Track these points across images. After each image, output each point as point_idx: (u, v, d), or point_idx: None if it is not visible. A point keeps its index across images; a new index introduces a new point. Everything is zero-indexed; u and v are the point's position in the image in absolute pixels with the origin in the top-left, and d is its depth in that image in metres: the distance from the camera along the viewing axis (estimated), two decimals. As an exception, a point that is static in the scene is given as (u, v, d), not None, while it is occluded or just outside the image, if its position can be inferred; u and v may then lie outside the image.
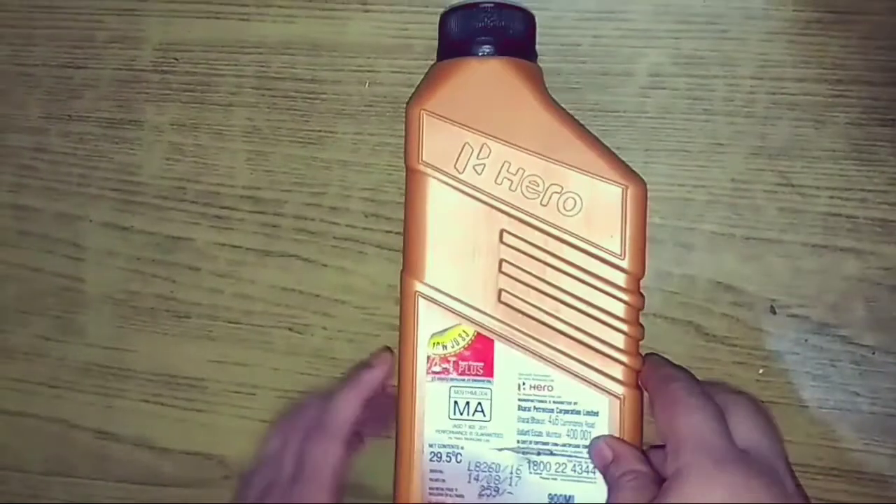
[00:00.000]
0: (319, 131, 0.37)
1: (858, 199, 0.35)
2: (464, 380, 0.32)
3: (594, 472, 0.31)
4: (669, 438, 0.28)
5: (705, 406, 0.28)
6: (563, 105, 0.33)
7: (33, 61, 0.39)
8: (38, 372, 0.39)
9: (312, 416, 0.34)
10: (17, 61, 0.39)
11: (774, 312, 0.35)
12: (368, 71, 0.36)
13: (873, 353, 0.35)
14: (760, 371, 0.35)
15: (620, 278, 0.32)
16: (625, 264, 0.32)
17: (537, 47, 0.34)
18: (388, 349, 0.36)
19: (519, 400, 0.32)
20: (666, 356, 0.35)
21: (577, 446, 0.31)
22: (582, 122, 0.36)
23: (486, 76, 0.32)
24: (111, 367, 0.38)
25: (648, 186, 0.35)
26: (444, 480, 0.32)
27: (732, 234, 0.35)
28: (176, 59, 0.38)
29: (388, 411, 0.33)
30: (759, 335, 0.35)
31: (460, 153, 0.32)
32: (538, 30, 0.35)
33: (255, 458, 0.35)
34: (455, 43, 0.33)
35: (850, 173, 0.35)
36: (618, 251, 0.32)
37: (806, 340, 0.35)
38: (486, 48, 0.32)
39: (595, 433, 0.31)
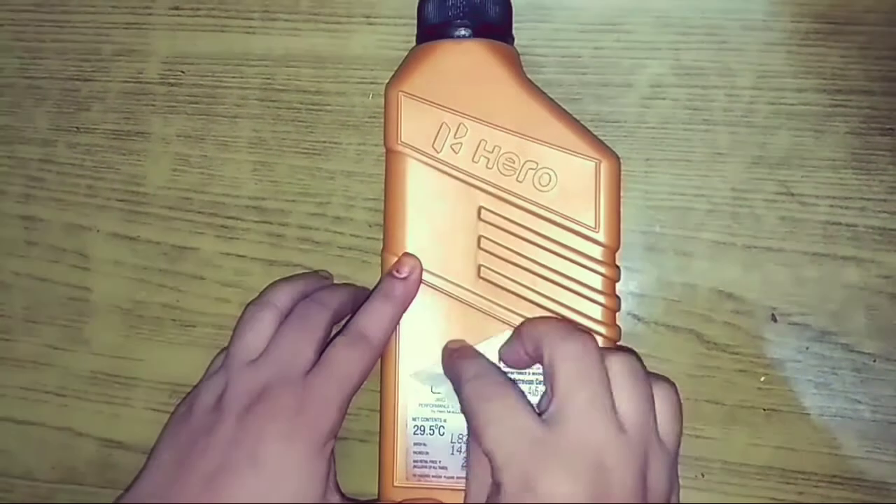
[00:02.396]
0: (324, 142, 0.37)
1: (858, 207, 0.35)
2: None
3: None
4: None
5: None
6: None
7: (41, 74, 0.39)
8: (45, 380, 0.39)
9: (330, 313, 0.33)
10: (26, 74, 0.39)
11: (775, 320, 0.35)
12: (372, 83, 0.37)
13: (874, 361, 0.35)
14: (762, 379, 0.35)
15: (596, 251, 0.32)
16: (600, 237, 0.32)
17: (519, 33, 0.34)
18: (413, 256, 0.33)
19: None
20: (664, 364, 0.36)
21: None
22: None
23: (462, 58, 0.33)
24: (118, 375, 0.39)
25: (649, 196, 0.36)
26: (427, 453, 0.32)
27: (733, 243, 0.35)
28: (182, 72, 0.38)
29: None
30: (760, 343, 0.35)
31: (438, 133, 0.33)
32: (541, 39, 0.35)
33: (242, 344, 0.32)
34: (432, 27, 0.33)
35: (850, 182, 0.35)
36: (592, 224, 0.32)
37: (807, 348, 0.35)
38: (462, 31, 0.33)
39: None
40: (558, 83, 0.36)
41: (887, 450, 0.35)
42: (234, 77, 0.38)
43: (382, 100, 0.34)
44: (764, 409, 0.35)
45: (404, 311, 0.33)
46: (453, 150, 0.33)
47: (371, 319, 0.32)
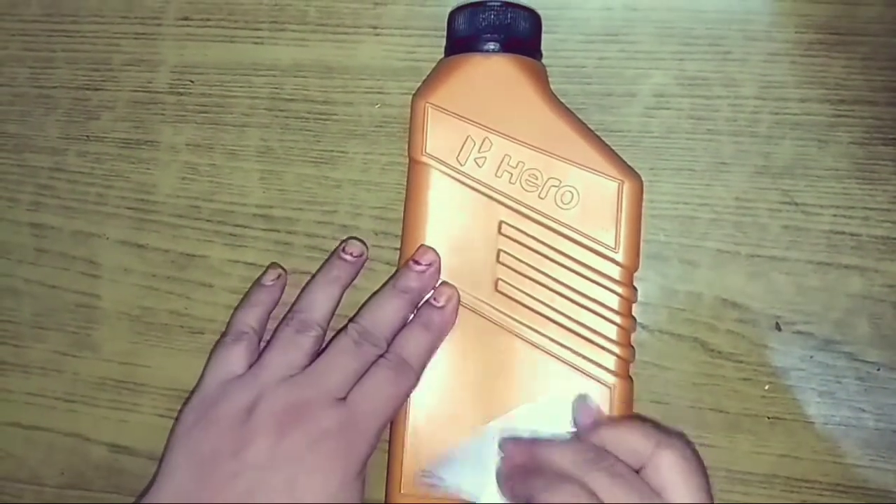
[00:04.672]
0: (331, 151, 0.38)
1: (862, 217, 0.35)
2: None
3: None
4: None
5: None
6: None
7: (52, 83, 0.40)
8: (54, 386, 0.39)
9: (375, 350, 0.32)
10: (37, 83, 0.40)
11: (779, 329, 0.35)
12: (378, 93, 0.37)
13: (878, 370, 0.35)
14: (766, 387, 0.35)
15: (615, 271, 0.33)
16: (619, 257, 0.33)
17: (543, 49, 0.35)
18: (450, 286, 0.33)
19: None
20: (668, 372, 0.36)
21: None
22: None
23: (490, 72, 0.33)
24: (126, 381, 0.39)
25: (653, 205, 0.36)
26: (435, 464, 0.32)
27: (737, 252, 0.36)
28: (191, 82, 0.39)
29: None
30: (764, 352, 0.35)
31: (463, 146, 0.33)
32: (546, 50, 0.35)
33: (282, 359, 0.32)
34: (462, 39, 0.34)
35: (853, 192, 0.35)
36: (612, 244, 0.33)
37: (811, 357, 0.35)
38: (492, 45, 0.33)
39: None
40: (563, 93, 0.36)
41: (891, 458, 0.35)
42: (242, 87, 0.38)
43: (389, 109, 0.35)
44: (768, 418, 0.35)
45: (442, 339, 0.33)
46: (477, 163, 0.33)
47: (411, 347, 0.32)
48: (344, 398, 0.30)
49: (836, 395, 0.35)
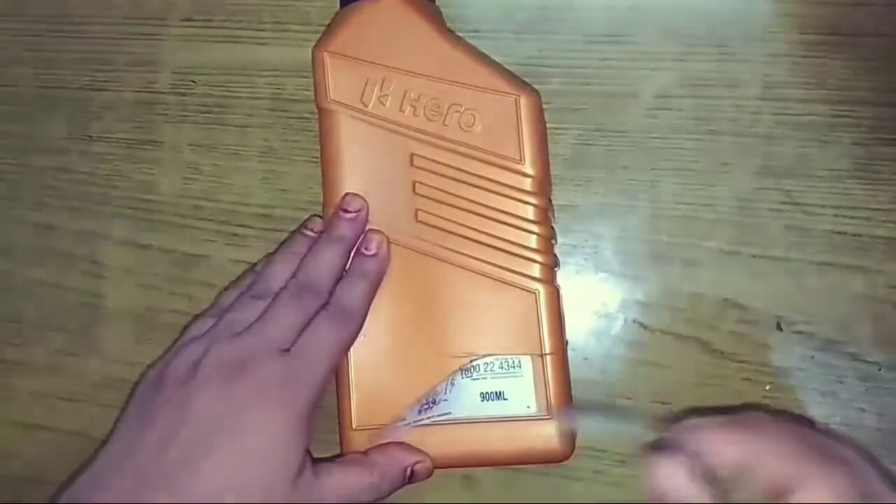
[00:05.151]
0: (333, 151, 0.38)
1: (863, 217, 0.35)
2: None
3: (520, 367, 0.33)
4: None
5: None
6: (565, 123, 0.35)
7: (56, 84, 0.40)
8: (58, 386, 0.40)
9: (321, 300, 0.33)
10: (40, 84, 0.40)
11: (781, 329, 0.35)
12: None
13: (880, 370, 0.35)
14: (767, 387, 0.35)
15: (525, 182, 0.34)
16: (526, 169, 0.34)
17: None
18: (380, 232, 0.34)
19: None
20: (669, 372, 0.36)
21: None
22: (589, 142, 0.36)
23: (381, 15, 0.34)
24: (129, 381, 0.39)
25: (655, 205, 0.36)
26: (382, 395, 0.33)
27: (739, 252, 0.36)
28: (193, 82, 0.39)
29: None
30: (766, 352, 0.35)
31: (365, 88, 0.34)
32: (549, 51, 0.36)
33: (231, 318, 0.33)
34: None
35: (855, 192, 0.35)
36: (517, 157, 0.34)
37: (812, 357, 0.35)
38: None
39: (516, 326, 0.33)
40: (564, 94, 0.36)
41: (892, 459, 0.35)
42: (244, 87, 0.38)
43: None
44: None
45: (378, 284, 0.34)
46: (381, 101, 0.34)
47: (349, 295, 0.33)
48: (288, 350, 0.31)
49: (838, 395, 0.35)
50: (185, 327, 0.35)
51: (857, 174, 0.35)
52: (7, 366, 0.40)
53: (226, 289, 0.36)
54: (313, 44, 0.35)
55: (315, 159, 0.38)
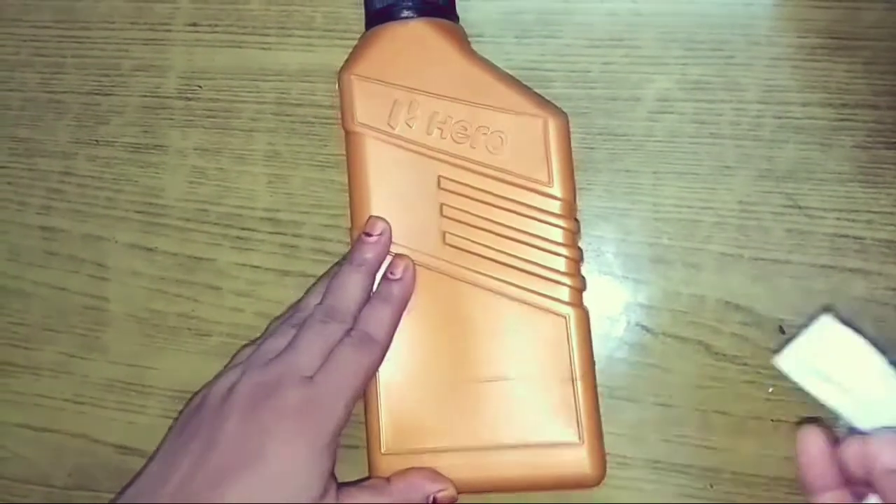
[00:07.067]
0: (337, 155, 0.38)
1: (865, 220, 0.35)
2: None
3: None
4: None
5: None
6: (567, 130, 0.35)
7: (62, 89, 0.40)
8: (63, 388, 0.40)
9: (346, 327, 0.33)
10: (47, 88, 0.40)
11: (783, 332, 0.36)
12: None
13: (882, 373, 0.35)
14: (770, 390, 0.35)
15: (553, 205, 0.34)
16: (555, 191, 0.34)
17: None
18: (406, 257, 0.34)
19: None
20: (671, 375, 0.36)
21: None
22: (591, 145, 0.37)
23: (407, 37, 0.34)
24: (133, 383, 0.39)
25: (657, 208, 0.36)
26: (411, 419, 0.33)
27: (741, 255, 0.36)
28: (199, 87, 0.39)
29: None
30: (768, 355, 0.35)
31: (392, 111, 0.34)
32: (550, 55, 0.36)
33: (268, 345, 0.33)
34: (378, 11, 0.35)
35: (857, 195, 0.35)
36: (546, 180, 0.34)
37: (815, 360, 0.35)
38: (406, 12, 0.34)
39: (546, 351, 0.33)
40: (567, 97, 0.36)
41: (896, 461, 0.35)
42: (250, 92, 0.39)
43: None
44: (772, 420, 0.35)
45: (404, 309, 0.34)
46: (408, 124, 0.34)
47: (373, 321, 0.33)
48: (312, 377, 0.32)
49: (840, 397, 0.35)
50: (234, 355, 0.36)
51: (859, 177, 0.35)
52: (12, 368, 0.40)
53: (276, 318, 0.37)
54: (318, 49, 0.36)
55: (319, 163, 0.38)
